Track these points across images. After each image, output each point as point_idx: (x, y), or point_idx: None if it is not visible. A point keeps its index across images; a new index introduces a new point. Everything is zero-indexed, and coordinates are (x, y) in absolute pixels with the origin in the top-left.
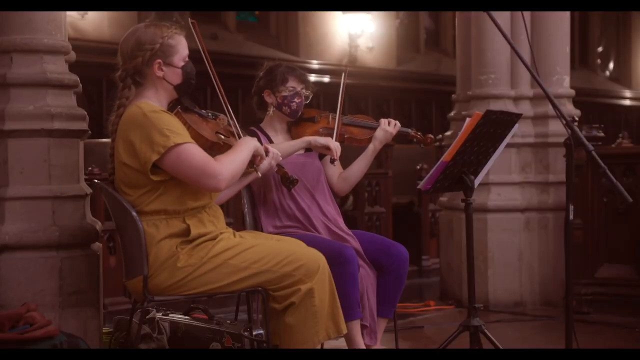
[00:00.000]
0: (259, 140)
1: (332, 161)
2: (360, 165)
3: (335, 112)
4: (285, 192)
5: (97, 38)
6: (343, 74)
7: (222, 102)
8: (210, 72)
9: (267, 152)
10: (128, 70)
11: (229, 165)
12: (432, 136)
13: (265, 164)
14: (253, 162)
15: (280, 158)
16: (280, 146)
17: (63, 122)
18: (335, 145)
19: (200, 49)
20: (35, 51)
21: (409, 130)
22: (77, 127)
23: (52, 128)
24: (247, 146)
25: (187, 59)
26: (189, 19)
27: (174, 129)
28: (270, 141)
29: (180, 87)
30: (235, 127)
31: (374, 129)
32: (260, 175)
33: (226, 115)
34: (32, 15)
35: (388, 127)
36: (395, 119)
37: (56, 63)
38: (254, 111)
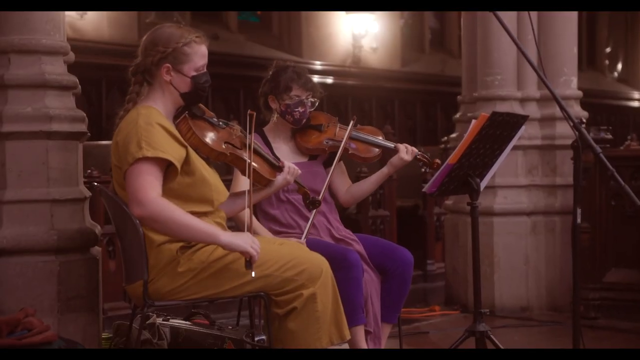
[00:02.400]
0: (259, 145)
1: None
2: (370, 185)
3: (342, 121)
4: (287, 207)
5: (96, 38)
6: (351, 123)
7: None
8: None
9: (283, 167)
10: (139, 67)
11: (164, 209)
12: (439, 161)
13: (279, 179)
14: (250, 262)
15: (299, 172)
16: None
17: (62, 124)
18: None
19: (247, 142)
20: (33, 52)
21: (419, 154)
22: (76, 129)
23: (51, 130)
24: (208, 228)
25: (202, 69)
26: (249, 110)
27: (154, 143)
28: (270, 147)
29: (187, 96)
30: (249, 140)
31: (380, 147)
32: (254, 275)
33: (241, 125)
34: (30, 15)
35: (406, 155)
36: (399, 121)
37: (55, 64)
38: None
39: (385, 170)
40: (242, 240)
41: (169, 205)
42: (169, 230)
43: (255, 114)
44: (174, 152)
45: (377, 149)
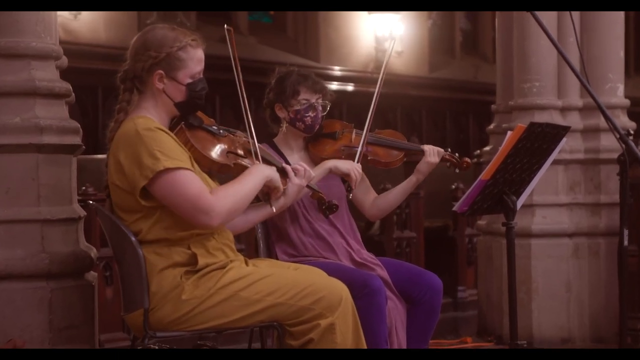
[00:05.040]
0: (263, 149)
1: (349, 191)
2: (397, 195)
3: (360, 126)
4: (302, 225)
5: (91, 41)
6: (379, 80)
7: (245, 117)
8: (238, 87)
9: (296, 171)
10: (128, 73)
11: (226, 200)
12: (468, 160)
13: (290, 186)
14: (269, 195)
15: (313, 174)
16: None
17: (53, 135)
18: (356, 174)
19: (233, 61)
20: (22, 56)
21: (445, 154)
22: (70, 142)
23: (41, 143)
24: (253, 177)
25: (198, 75)
26: (225, 25)
27: (167, 151)
28: (285, 160)
29: (182, 105)
30: (254, 146)
31: (403, 149)
32: (274, 210)
33: (246, 132)
34: (18, 15)
35: (432, 157)
36: (427, 132)
37: (46, 69)
38: (267, 123)
39: (413, 178)
40: (274, 174)
41: (221, 194)
42: (237, 214)
43: (232, 29)
44: (187, 162)
45: (398, 152)
